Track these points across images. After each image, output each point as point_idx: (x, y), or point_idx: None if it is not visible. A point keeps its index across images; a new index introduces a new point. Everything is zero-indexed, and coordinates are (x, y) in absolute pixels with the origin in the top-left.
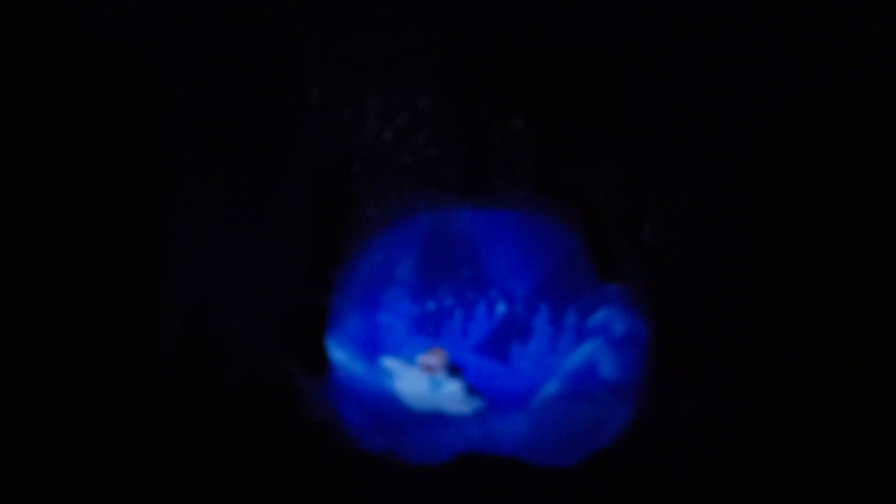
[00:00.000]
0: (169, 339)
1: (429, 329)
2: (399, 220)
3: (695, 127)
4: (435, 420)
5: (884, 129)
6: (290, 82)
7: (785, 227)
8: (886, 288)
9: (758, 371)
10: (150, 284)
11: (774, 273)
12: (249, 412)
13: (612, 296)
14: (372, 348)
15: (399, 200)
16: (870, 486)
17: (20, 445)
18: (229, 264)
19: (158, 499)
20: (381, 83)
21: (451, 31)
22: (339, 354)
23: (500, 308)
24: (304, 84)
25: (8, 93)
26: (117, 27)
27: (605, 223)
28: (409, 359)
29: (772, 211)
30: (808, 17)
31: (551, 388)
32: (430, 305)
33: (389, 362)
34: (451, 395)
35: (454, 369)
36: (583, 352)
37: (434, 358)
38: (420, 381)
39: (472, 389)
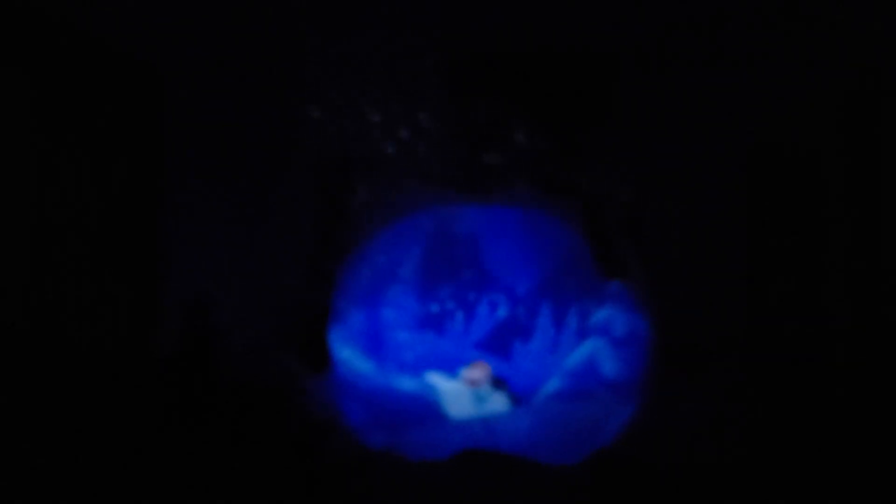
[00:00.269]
0: (169, 337)
1: (431, 326)
2: (401, 218)
3: (696, 127)
4: (437, 417)
5: (884, 129)
6: (290, 82)
7: (785, 227)
8: (887, 288)
9: (758, 371)
10: (150, 283)
11: (775, 273)
12: (250, 410)
13: (614, 294)
14: (375, 345)
15: (400, 198)
16: (871, 486)
17: (20, 444)
18: (229, 262)
19: (159, 498)
20: (381, 82)
21: (451, 31)
22: (342, 351)
23: (502, 306)
24: (305, 84)
25: (8, 92)
26: (118, 27)
27: (606, 222)
28: (420, 363)
29: (772, 211)
30: (809, 18)
31: (552, 385)
32: (433, 303)
33: (433, 377)
34: (496, 409)
35: (498, 382)
36: (584, 350)
37: (478, 371)
38: (465, 395)
39: (517, 401)
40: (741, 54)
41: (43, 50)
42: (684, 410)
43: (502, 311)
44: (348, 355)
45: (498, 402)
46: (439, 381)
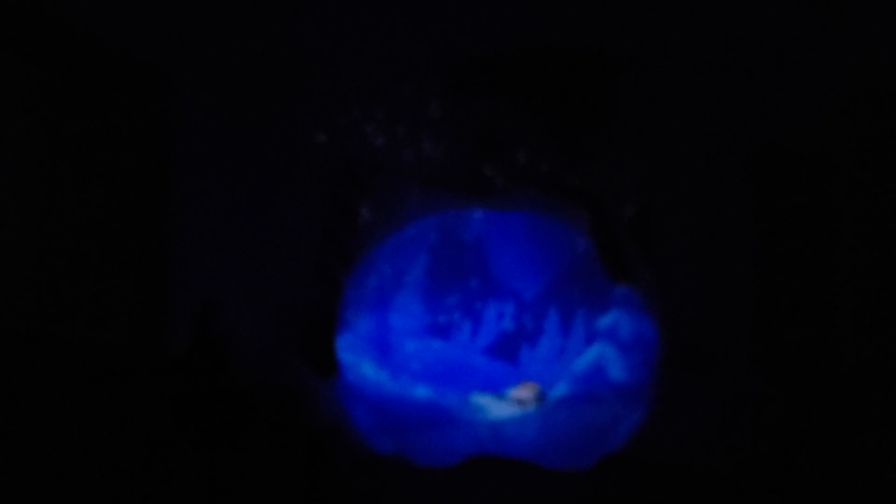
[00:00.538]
0: (179, 341)
1: (439, 332)
2: (408, 224)
3: (704, 130)
4: (444, 422)
5: (893, 130)
6: (299, 86)
7: (794, 229)
8: (893, 293)
9: (767, 374)
10: (161, 286)
11: (784, 276)
12: (259, 412)
13: (620, 299)
14: (383, 351)
15: (407, 205)
16: (878, 489)
17: (31, 444)
18: (238, 268)
19: (168, 497)
20: (389, 87)
21: (459, 36)
22: (349, 357)
23: (509, 311)
24: (313, 88)
25: (21, 96)
26: (130, 32)
27: (613, 226)
28: (428, 369)
29: (781, 214)
30: (817, 21)
31: (560, 390)
32: (441, 309)
33: (480, 398)
34: None
35: (543, 398)
36: (591, 354)
37: (526, 391)
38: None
39: None
40: (749, 58)
41: (57, 54)
42: (693, 415)
43: (509, 317)
44: (356, 361)
45: None
46: (486, 401)
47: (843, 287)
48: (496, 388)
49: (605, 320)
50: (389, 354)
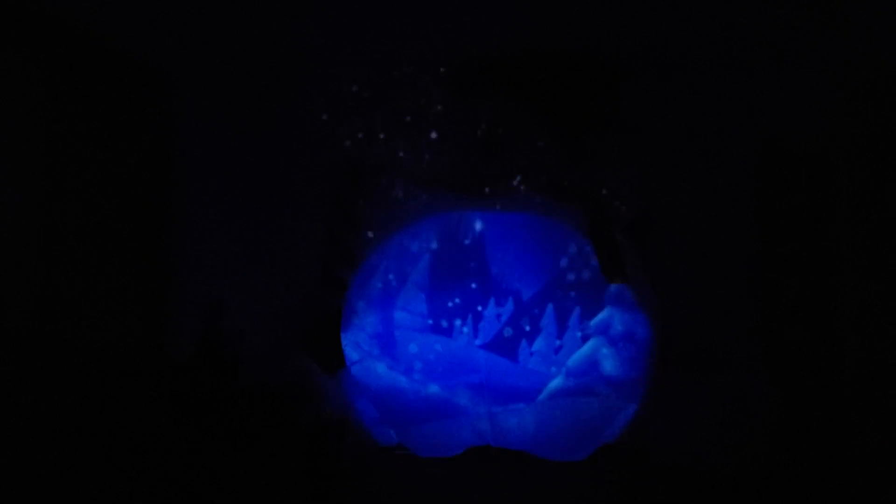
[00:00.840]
0: (185, 338)
1: (441, 328)
2: (411, 223)
3: (703, 129)
4: (446, 414)
5: (893, 131)
6: (302, 87)
7: (792, 229)
8: (893, 293)
9: (766, 373)
10: (167, 285)
11: (782, 275)
12: (265, 408)
13: (614, 296)
14: (386, 347)
15: (410, 204)
16: (875, 487)
17: (38, 443)
18: (244, 264)
19: (176, 494)
20: (391, 88)
21: (460, 36)
22: (354, 353)
23: (509, 308)
24: (316, 88)
25: (23, 97)
26: (131, 32)
27: (612, 224)
28: (430, 364)
29: (780, 213)
30: (816, 20)
31: (556, 383)
32: (443, 306)
33: None
34: None
35: None
36: (585, 350)
37: None
38: None
39: None
40: (746, 57)
41: (56, 55)
42: (688, 409)
43: (508, 314)
44: (361, 356)
45: None
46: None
47: (844, 287)
48: (497, 382)
49: (600, 317)
50: (393, 350)
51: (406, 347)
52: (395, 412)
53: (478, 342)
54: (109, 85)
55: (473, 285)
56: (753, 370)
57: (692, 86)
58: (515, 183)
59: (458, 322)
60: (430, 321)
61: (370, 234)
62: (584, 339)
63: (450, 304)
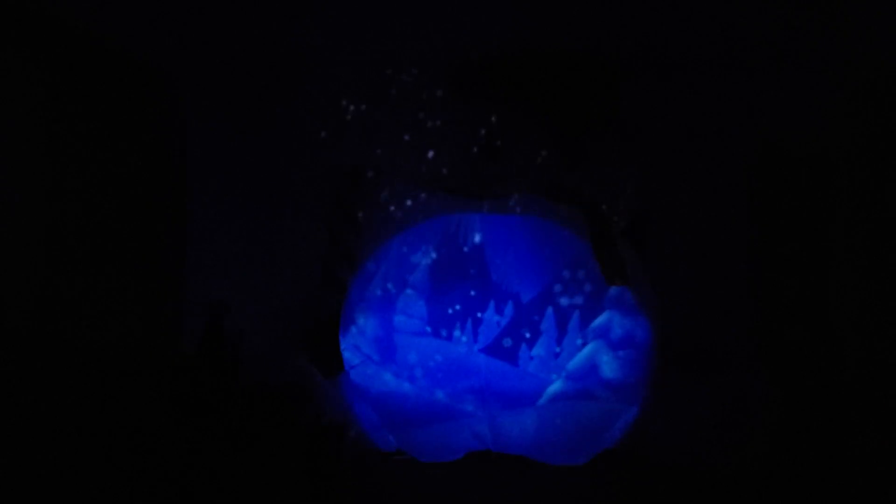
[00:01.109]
0: (186, 338)
1: (441, 332)
2: (411, 226)
3: (703, 130)
4: (446, 419)
5: (892, 132)
6: (302, 87)
7: (792, 229)
8: (892, 294)
9: (766, 374)
10: (167, 285)
11: (781, 275)
12: (265, 408)
13: (613, 299)
14: (386, 350)
15: (410, 207)
16: (875, 487)
17: (40, 441)
18: (244, 264)
19: (179, 493)
20: (391, 90)
21: (459, 37)
22: (354, 356)
23: (509, 310)
24: (316, 88)
25: (24, 98)
26: (132, 33)
27: (610, 227)
28: (430, 368)
29: (779, 213)
30: (816, 20)
31: (556, 387)
32: (443, 309)
33: None
34: None
35: None
36: (585, 353)
37: None
38: None
39: None
40: (746, 58)
41: (57, 56)
42: (688, 409)
43: (508, 317)
44: (360, 359)
45: None
46: None
47: (843, 287)
48: (497, 385)
49: (599, 320)
50: (393, 354)
51: (406, 352)
52: (395, 416)
53: (478, 346)
54: (110, 85)
55: (473, 289)
56: (753, 370)
57: (692, 86)
58: (515, 184)
59: (457, 326)
60: (430, 325)
61: (370, 236)
62: (584, 342)
63: (449, 309)
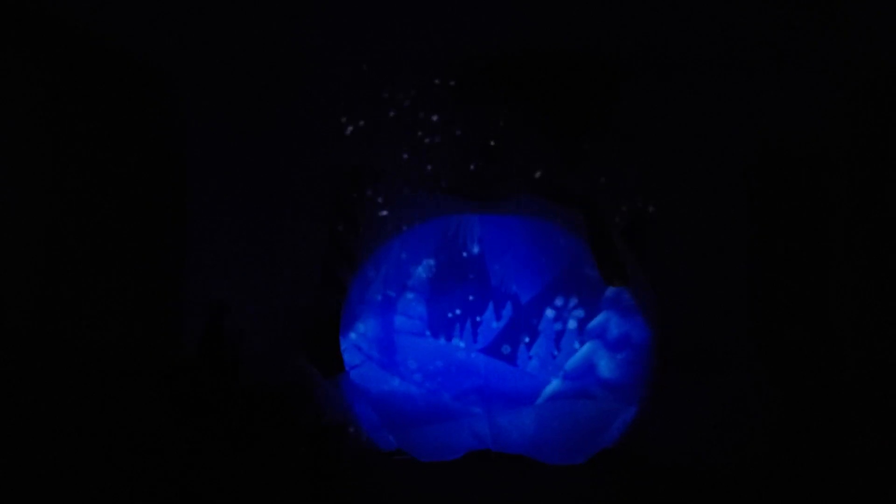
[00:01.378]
0: (188, 339)
1: (441, 333)
2: (411, 227)
3: (702, 130)
4: (445, 418)
5: (891, 133)
6: (302, 87)
7: (792, 229)
8: (891, 294)
9: (765, 374)
10: (168, 285)
11: (781, 275)
12: (265, 409)
13: (611, 300)
14: (386, 351)
15: (410, 208)
16: (875, 487)
17: (40, 441)
18: (245, 264)
19: (179, 493)
20: (392, 92)
21: (460, 36)
22: (354, 357)
23: (508, 311)
24: (316, 88)
25: (28, 98)
26: (132, 33)
27: (610, 228)
28: (430, 368)
29: (779, 213)
30: (816, 20)
31: (554, 386)
32: (442, 310)
33: None
34: None
35: None
36: (582, 352)
37: None
38: None
39: None
40: (745, 59)
41: (57, 57)
42: (688, 409)
43: (507, 317)
44: (360, 360)
45: None
46: None
47: (843, 287)
48: (496, 385)
49: (597, 320)
50: (393, 354)
51: (406, 352)
52: (395, 416)
53: (477, 347)
54: (110, 85)
55: (472, 291)
56: (753, 370)
57: (692, 86)
58: (514, 185)
59: (457, 327)
60: (430, 326)
61: (370, 237)
62: (581, 342)
63: (449, 311)
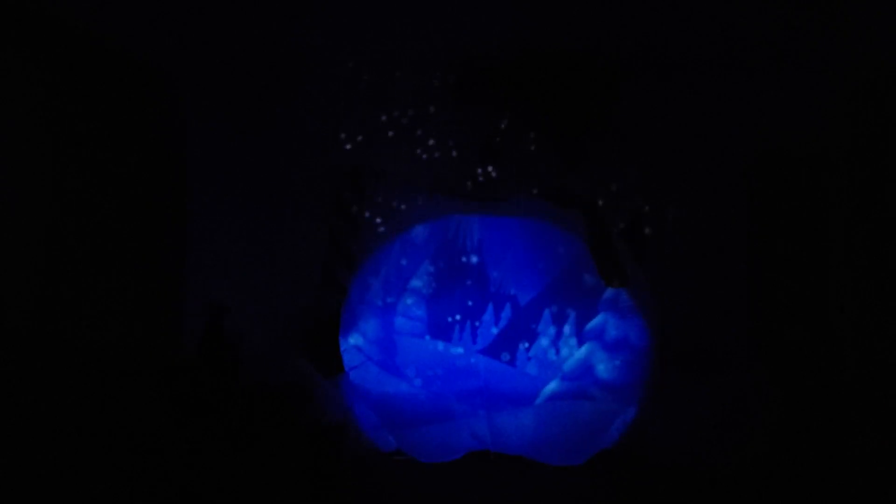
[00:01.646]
0: (188, 339)
1: (440, 333)
2: (410, 228)
3: (701, 131)
4: (445, 419)
5: (890, 134)
6: (302, 87)
7: (791, 229)
8: (891, 294)
9: (765, 374)
10: (168, 286)
11: (781, 275)
12: (265, 409)
13: (608, 301)
14: (386, 350)
15: (410, 209)
16: (875, 487)
17: (40, 441)
18: (245, 265)
19: (179, 494)
20: (392, 93)
21: (460, 36)
22: (354, 356)
23: (507, 312)
24: (316, 88)
25: (28, 98)
26: (132, 33)
27: (609, 229)
28: (430, 369)
29: (779, 213)
30: (816, 20)
31: (552, 387)
32: (442, 311)
33: None
34: None
35: None
36: (581, 353)
37: None
38: None
39: None
40: (745, 59)
41: (58, 57)
42: (688, 409)
43: (506, 319)
44: (360, 360)
45: None
46: None
47: (843, 287)
48: (496, 386)
49: (595, 322)
50: (393, 355)
51: (406, 353)
52: (395, 417)
53: (476, 348)
54: (110, 85)
55: (472, 290)
56: (753, 370)
57: (692, 86)
58: (514, 186)
59: (457, 328)
60: (430, 327)
61: (370, 237)
62: (580, 343)
63: (449, 312)
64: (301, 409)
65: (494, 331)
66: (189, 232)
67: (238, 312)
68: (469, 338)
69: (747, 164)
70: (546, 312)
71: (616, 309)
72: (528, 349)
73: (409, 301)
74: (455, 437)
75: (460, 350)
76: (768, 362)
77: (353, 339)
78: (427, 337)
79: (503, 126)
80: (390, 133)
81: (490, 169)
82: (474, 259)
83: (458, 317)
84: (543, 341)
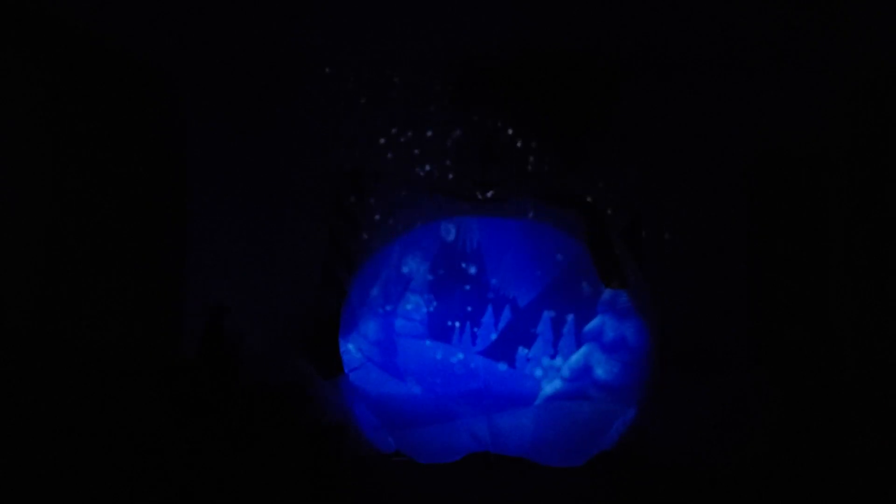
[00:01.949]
0: (188, 340)
1: (440, 335)
2: (411, 229)
3: (701, 132)
4: (445, 420)
5: (889, 135)
6: (302, 87)
7: (791, 229)
8: (891, 294)
9: (764, 372)
10: (168, 286)
11: (781, 276)
12: (264, 409)
13: (607, 302)
14: (385, 351)
15: (410, 211)
16: (875, 487)
17: (40, 441)
18: (245, 265)
19: (178, 494)
20: (392, 93)
21: (460, 36)
22: (353, 357)
23: (506, 314)
24: (316, 88)
25: (28, 98)
26: (133, 33)
27: (608, 231)
28: (429, 370)
29: (779, 213)
30: (816, 20)
31: (551, 388)
32: (442, 312)
33: None
34: None
35: None
36: (579, 354)
37: None
38: None
39: None
40: (745, 60)
41: (58, 57)
42: (688, 410)
43: (506, 319)
44: (360, 362)
45: None
46: None
47: (843, 287)
48: (495, 387)
49: (592, 324)
50: (393, 356)
51: (406, 354)
52: (395, 418)
53: (476, 349)
54: (110, 85)
55: (471, 294)
56: (753, 370)
57: (692, 86)
58: (514, 186)
59: (456, 330)
60: (430, 329)
61: (370, 238)
62: (579, 344)
63: (448, 312)
64: (301, 410)
65: (494, 331)
66: (189, 232)
67: (238, 312)
68: (468, 339)
69: (747, 164)
70: (545, 314)
71: (614, 310)
72: (527, 351)
73: (409, 302)
74: (455, 438)
75: (460, 356)
76: (768, 362)
77: (354, 342)
78: (427, 338)
79: (503, 125)
80: (390, 133)
81: (490, 169)
82: (473, 261)
83: (457, 318)
84: (542, 343)
